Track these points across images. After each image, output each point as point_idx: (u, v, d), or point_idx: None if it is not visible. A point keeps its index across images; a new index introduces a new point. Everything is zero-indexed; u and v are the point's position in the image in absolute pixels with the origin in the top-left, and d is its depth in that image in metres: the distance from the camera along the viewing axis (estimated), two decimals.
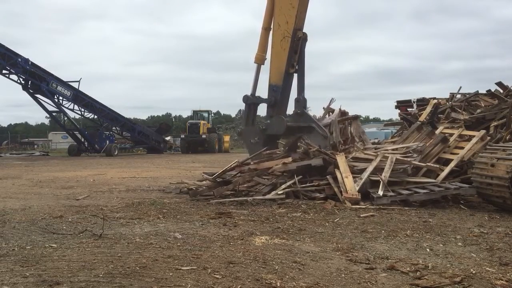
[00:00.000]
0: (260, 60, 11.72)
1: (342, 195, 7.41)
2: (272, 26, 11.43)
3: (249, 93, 11.65)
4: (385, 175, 7.46)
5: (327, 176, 8.08)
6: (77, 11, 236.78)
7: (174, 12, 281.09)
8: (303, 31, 11.26)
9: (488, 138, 8.73)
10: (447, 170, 8.06)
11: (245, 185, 8.24)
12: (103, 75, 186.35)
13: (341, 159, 8.04)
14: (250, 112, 11.81)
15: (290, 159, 8.60)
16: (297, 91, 11.24)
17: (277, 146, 11.76)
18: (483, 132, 8.88)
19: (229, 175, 9.08)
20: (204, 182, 9.31)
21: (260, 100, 11.68)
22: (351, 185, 7.41)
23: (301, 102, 11.03)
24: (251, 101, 11.66)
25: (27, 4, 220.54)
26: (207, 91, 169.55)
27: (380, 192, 7.17)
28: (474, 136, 8.80)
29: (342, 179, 7.68)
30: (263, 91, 11.78)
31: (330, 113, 12.54)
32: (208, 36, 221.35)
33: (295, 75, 11.33)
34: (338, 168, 7.99)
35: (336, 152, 8.78)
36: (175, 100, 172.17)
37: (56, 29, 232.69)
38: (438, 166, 7.89)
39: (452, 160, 8.38)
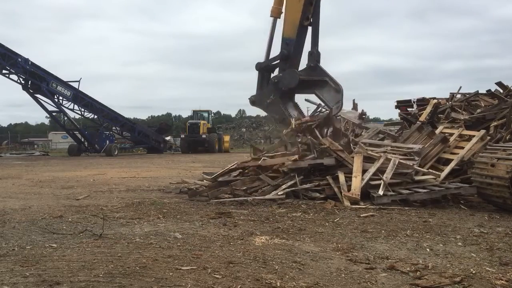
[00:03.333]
0: (276, 13, 11.26)
1: (342, 194, 7.41)
2: None
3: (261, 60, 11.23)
4: (387, 176, 7.44)
5: (327, 177, 8.07)
6: (73, 10, 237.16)
7: (171, 11, 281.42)
8: None
9: (488, 138, 8.71)
10: (447, 170, 8.05)
11: (244, 188, 8.21)
12: (101, 75, 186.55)
13: (358, 159, 7.99)
14: (263, 80, 11.41)
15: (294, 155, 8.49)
16: (311, 44, 10.81)
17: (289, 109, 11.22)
18: (483, 132, 8.86)
19: (231, 175, 9.04)
20: (203, 182, 9.30)
21: (272, 61, 11.23)
22: (356, 185, 7.39)
23: (314, 55, 10.53)
24: (264, 65, 11.24)
25: (22, 3, 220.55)
26: (207, 91, 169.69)
27: (381, 192, 7.17)
28: (474, 136, 8.79)
29: (345, 178, 7.68)
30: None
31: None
32: (206, 35, 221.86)
33: (309, 29, 10.87)
34: (346, 166, 8.00)
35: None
36: (175, 100, 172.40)
37: (52, 28, 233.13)
38: (439, 173, 7.89)
39: (452, 160, 8.37)
